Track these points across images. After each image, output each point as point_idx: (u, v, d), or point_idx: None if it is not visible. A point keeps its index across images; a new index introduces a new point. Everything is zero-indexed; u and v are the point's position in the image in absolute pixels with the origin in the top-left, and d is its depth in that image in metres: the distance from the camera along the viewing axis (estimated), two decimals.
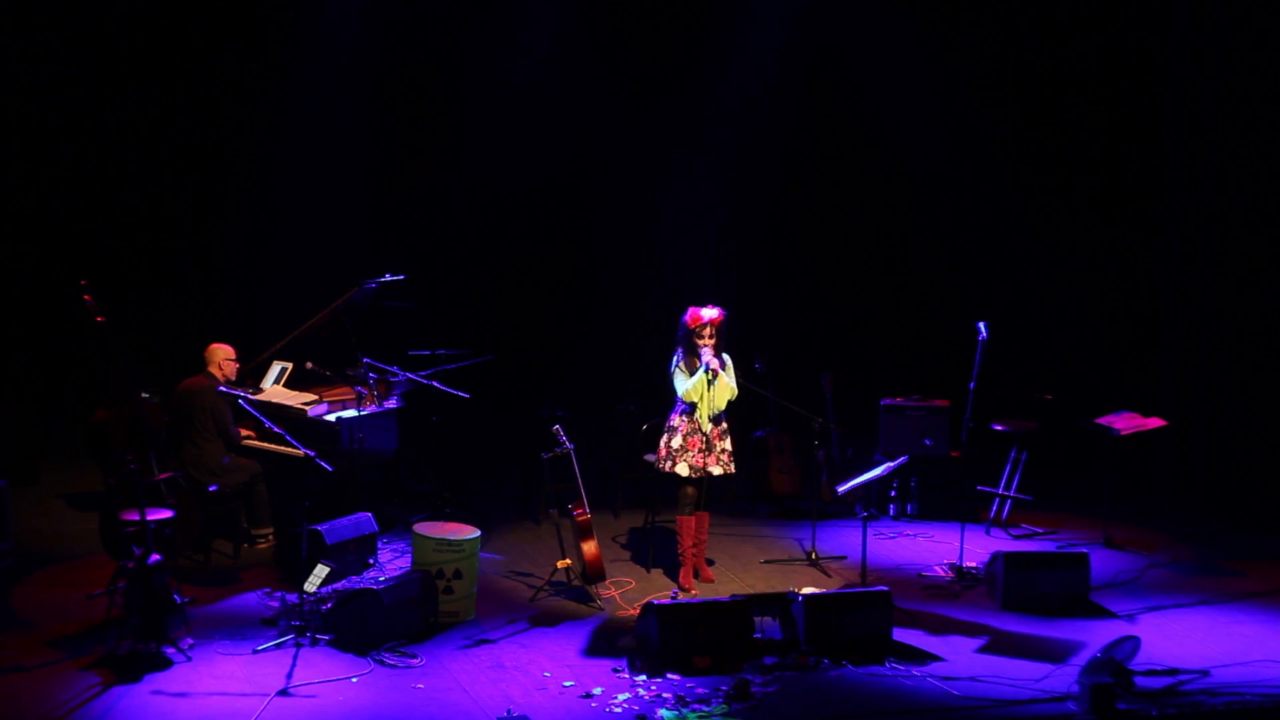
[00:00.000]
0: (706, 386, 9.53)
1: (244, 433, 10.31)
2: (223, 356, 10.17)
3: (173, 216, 13.93)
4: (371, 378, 10.77)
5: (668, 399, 9.74)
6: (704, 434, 9.61)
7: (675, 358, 9.62)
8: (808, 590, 8.99)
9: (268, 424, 9.92)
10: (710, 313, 9.56)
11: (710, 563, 10.19)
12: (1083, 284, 13.62)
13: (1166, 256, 12.25)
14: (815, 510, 10.98)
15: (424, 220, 14.39)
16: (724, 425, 9.69)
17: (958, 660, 8.66)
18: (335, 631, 8.63)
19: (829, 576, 10.14)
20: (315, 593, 8.99)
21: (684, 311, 9.63)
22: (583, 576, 9.58)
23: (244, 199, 13.98)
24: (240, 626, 8.83)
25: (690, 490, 9.70)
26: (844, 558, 10.50)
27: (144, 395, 10.08)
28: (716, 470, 9.70)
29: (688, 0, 14.40)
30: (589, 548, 9.51)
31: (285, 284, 13.37)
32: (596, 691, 8.08)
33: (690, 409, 9.60)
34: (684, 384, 9.56)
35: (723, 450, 9.68)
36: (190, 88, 13.70)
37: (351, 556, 9.68)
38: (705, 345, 9.51)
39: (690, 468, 9.62)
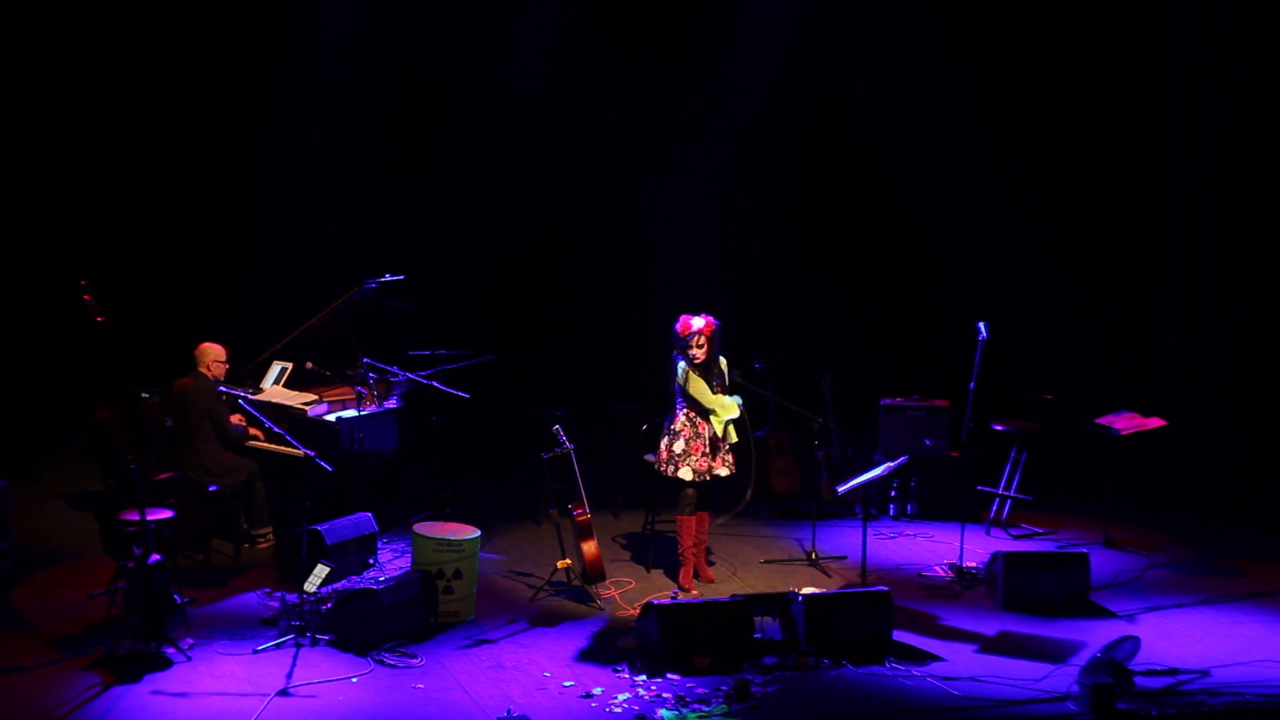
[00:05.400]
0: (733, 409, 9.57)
1: (253, 432, 10.29)
2: (212, 358, 10.14)
3: (173, 216, 13.91)
4: (371, 378, 10.77)
5: (667, 399, 9.73)
6: (707, 438, 9.60)
7: (680, 365, 9.58)
8: (808, 590, 8.99)
9: (268, 424, 9.93)
10: (699, 322, 9.56)
11: (711, 563, 10.18)
12: (1083, 284, 13.61)
13: (1166, 256, 12.24)
14: (815, 510, 10.98)
15: (424, 220, 14.38)
16: (723, 429, 9.70)
17: (958, 660, 8.66)
18: (335, 631, 8.63)
19: (829, 576, 10.13)
20: (315, 593, 8.99)
21: (677, 318, 9.62)
22: (583, 576, 9.58)
23: (244, 198, 13.97)
24: (240, 626, 8.83)
25: (691, 492, 9.70)
26: (844, 558, 10.50)
27: (144, 395, 10.07)
28: (723, 472, 9.71)
29: (686, 1, 14.40)
30: (589, 548, 9.51)
31: (285, 284, 13.37)
32: (596, 691, 8.09)
33: (698, 412, 9.58)
34: (709, 397, 9.53)
35: (726, 451, 9.69)
36: (190, 87, 13.68)
37: (351, 556, 9.68)
38: (696, 354, 9.51)
39: (694, 472, 9.62)
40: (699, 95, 14.41)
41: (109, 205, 13.73)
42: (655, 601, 8.63)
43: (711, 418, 9.60)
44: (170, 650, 8.29)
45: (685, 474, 9.62)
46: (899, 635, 8.87)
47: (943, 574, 10.27)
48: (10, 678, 8.04)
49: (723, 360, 9.69)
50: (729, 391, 9.73)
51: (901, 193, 14.46)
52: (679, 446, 9.63)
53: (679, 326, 9.60)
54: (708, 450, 9.62)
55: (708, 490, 9.79)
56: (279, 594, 9.19)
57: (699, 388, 9.54)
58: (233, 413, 10.33)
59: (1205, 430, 11.92)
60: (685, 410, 9.62)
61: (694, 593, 9.66)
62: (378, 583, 9.01)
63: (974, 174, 14.08)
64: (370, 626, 8.53)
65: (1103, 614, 9.49)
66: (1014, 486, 11.41)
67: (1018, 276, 13.84)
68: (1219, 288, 11.85)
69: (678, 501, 9.75)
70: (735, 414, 9.64)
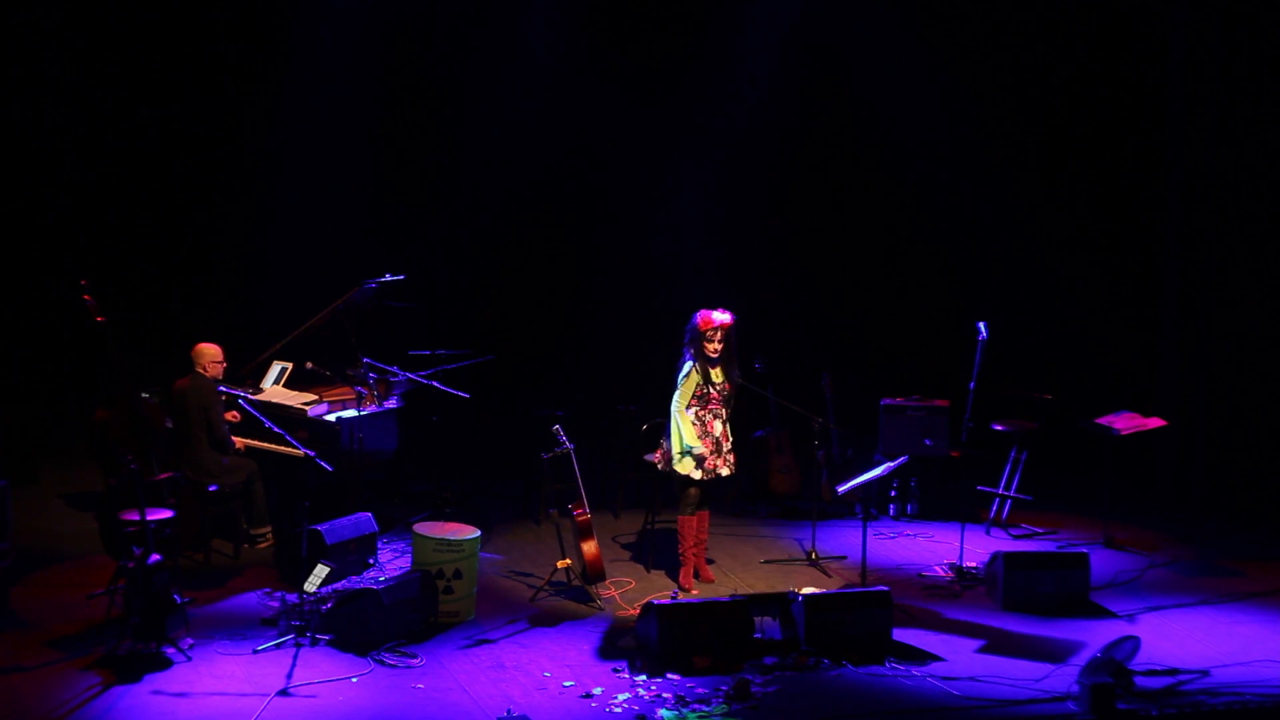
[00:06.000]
0: (692, 436, 9.58)
1: (240, 445, 10.22)
2: (209, 358, 10.10)
3: (173, 216, 13.92)
4: (371, 378, 10.77)
5: (668, 399, 9.73)
6: (713, 437, 9.61)
7: (686, 363, 9.59)
8: (808, 590, 8.99)
9: (267, 424, 9.91)
10: (722, 317, 9.55)
11: (710, 562, 10.18)
12: (1083, 284, 13.61)
13: (1166, 256, 12.25)
14: (815, 510, 10.98)
15: (424, 220, 14.38)
16: (727, 427, 9.70)
17: (958, 660, 8.66)
18: (335, 631, 8.63)
19: (829, 576, 10.13)
20: (315, 593, 8.98)
21: (694, 311, 9.62)
22: (583, 576, 9.58)
23: (244, 199, 13.97)
24: (240, 626, 8.83)
25: (694, 491, 9.71)
26: (844, 558, 10.50)
27: (144, 395, 10.06)
28: (725, 471, 9.72)
29: (687, 1, 14.40)
30: (589, 548, 9.51)
31: (285, 284, 13.37)
32: (596, 691, 8.09)
33: (699, 411, 9.60)
34: (683, 416, 9.55)
35: (729, 451, 9.70)
36: (190, 87, 13.68)
37: (351, 556, 9.68)
38: (714, 348, 9.51)
39: (703, 470, 9.62)
40: (699, 94, 14.40)
41: (109, 205, 13.72)
42: (655, 601, 8.63)
43: (672, 434, 9.59)
44: (170, 650, 8.29)
45: (694, 471, 9.62)
46: (899, 635, 8.87)
47: (943, 574, 10.27)
48: (10, 678, 8.04)
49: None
50: (734, 398, 9.73)
51: (902, 192, 14.46)
52: None
53: (699, 320, 9.56)
54: (714, 448, 9.63)
55: (709, 489, 9.79)
56: (279, 594, 9.19)
57: (681, 405, 9.56)
58: (229, 409, 10.32)
59: (1205, 430, 11.92)
60: (695, 409, 9.62)
61: (694, 593, 9.66)
62: (378, 583, 9.01)
63: (974, 174, 14.08)
64: (370, 626, 8.52)
65: (1103, 614, 9.49)
66: (1014, 486, 11.41)
67: (1017, 276, 13.83)
68: (1219, 287, 11.85)
69: (679, 501, 9.76)
70: (686, 453, 9.56)
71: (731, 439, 9.71)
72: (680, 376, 9.58)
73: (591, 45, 14.19)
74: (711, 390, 9.61)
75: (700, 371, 9.56)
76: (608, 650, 8.68)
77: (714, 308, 9.60)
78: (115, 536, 9.12)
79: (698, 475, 9.60)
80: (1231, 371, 11.85)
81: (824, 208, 14.70)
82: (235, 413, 10.40)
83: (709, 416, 9.63)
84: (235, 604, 9.28)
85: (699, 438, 9.58)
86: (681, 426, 9.57)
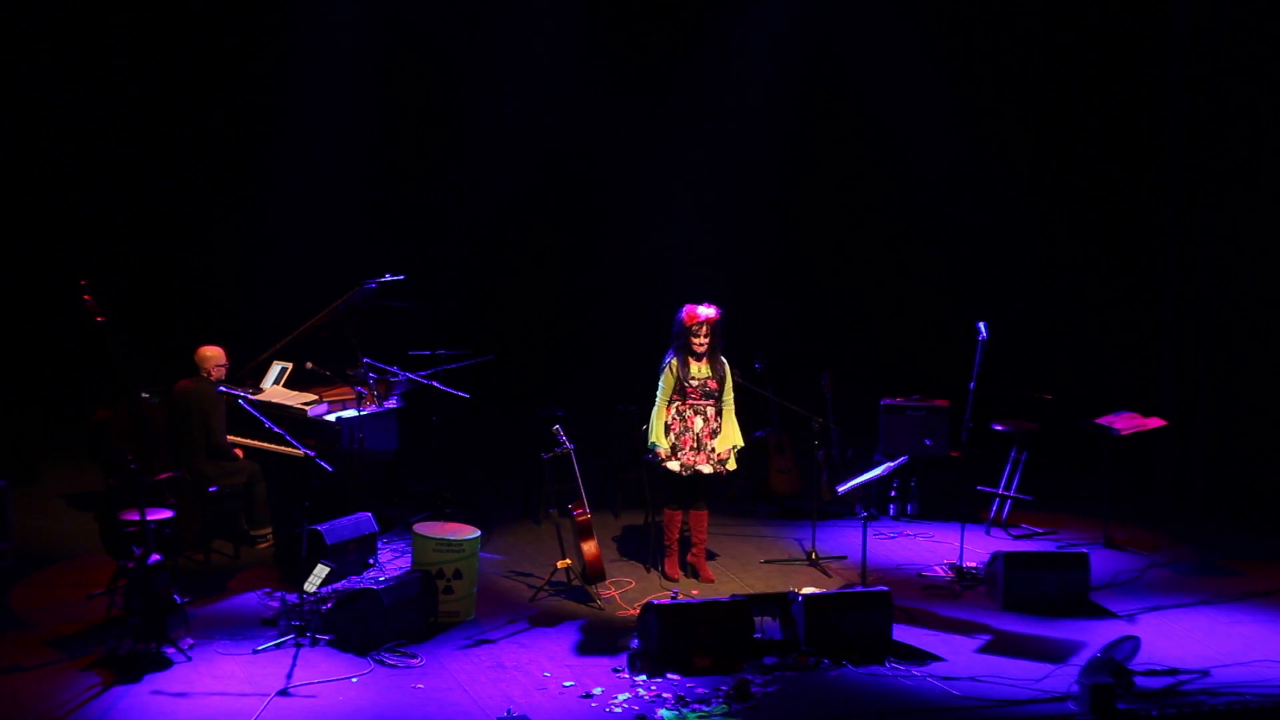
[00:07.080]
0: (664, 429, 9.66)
1: (236, 453, 10.21)
2: (213, 363, 10.09)
3: (173, 216, 13.92)
4: (371, 378, 10.77)
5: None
6: (694, 434, 9.64)
7: (667, 357, 9.65)
8: (808, 590, 8.99)
9: (268, 424, 9.91)
10: (707, 311, 9.59)
11: (714, 556, 10.19)
12: (1083, 284, 13.61)
13: (1166, 256, 12.25)
14: (815, 510, 10.98)
15: (424, 220, 14.39)
16: (715, 425, 9.70)
17: (958, 660, 8.66)
18: (335, 631, 8.63)
19: (829, 576, 10.13)
20: (315, 593, 8.99)
21: (680, 308, 9.67)
22: (583, 576, 9.58)
23: (244, 198, 13.98)
24: (240, 626, 8.83)
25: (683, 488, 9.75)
26: (844, 558, 10.50)
27: (144, 395, 10.07)
28: (706, 469, 9.72)
29: None
30: (589, 548, 9.51)
31: (285, 284, 13.37)
32: (596, 691, 8.09)
33: (679, 406, 9.63)
34: (659, 409, 9.66)
35: (712, 449, 9.70)
36: (190, 87, 13.69)
37: (351, 556, 9.68)
38: (700, 343, 9.54)
39: (682, 465, 9.65)
40: (699, 94, 14.43)
41: (109, 205, 13.73)
42: (655, 601, 8.62)
43: (652, 421, 9.65)
44: (170, 650, 8.29)
45: (673, 465, 9.68)
46: (899, 635, 8.87)
47: (943, 574, 10.27)
48: (10, 678, 8.04)
49: (725, 361, 9.72)
50: (722, 393, 9.74)
51: (902, 192, 14.47)
52: (670, 439, 9.67)
53: (684, 315, 9.60)
54: (695, 445, 9.66)
55: (697, 487, 9.79)
56: (279, 594, 9.19)
57: (661, 400, 9.63)
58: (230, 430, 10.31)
59: (1205, 430, 11.92)
60: (676, 405, 9.65)
61: (694, 592, 9.65)
62: (378, 583, 9.01)
63: (974, 173, 14.09)
64: (370, 626, 8.52)
65: (1103, 614, 9.49)
66: (1014, 486, 11.41)
67: (1018, 276, 13.84)
68: (1219, 288, 11.85)
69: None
70: (652, 447, 9.69)
71: (717, 435, 9.71)
72: (663, 371, 9.63)
73: (590, 44, 14.21)
74: (689, 385, 9.62)
75: (679, 366, 9.59)
76: (608, 650, 8.68)
77: (699, 302, 9.63)
78: (115, 536, 9.11)
79: (674, 467, 9.63)
80: (1231, 371, 11.85)
81: (824, 207, 14.72)
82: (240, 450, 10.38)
83: (689, 412, 9.66)
84: (235, 604, 9.28)
85: (681, 434, 9.62)
86: (653, 421, 9.64)
